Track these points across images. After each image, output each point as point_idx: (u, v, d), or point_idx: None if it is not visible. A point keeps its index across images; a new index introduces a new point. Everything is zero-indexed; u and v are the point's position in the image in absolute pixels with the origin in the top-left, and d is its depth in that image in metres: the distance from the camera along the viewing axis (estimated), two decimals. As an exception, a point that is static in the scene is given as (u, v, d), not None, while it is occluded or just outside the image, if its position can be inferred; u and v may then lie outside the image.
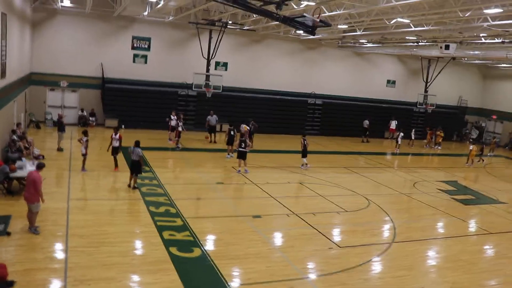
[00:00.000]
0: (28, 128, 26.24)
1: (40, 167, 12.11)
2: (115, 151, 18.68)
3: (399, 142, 31.53)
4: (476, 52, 26.01)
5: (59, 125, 21.86)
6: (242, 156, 20.55)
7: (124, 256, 10.86)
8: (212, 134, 27.78)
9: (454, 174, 25.55)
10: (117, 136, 18.57)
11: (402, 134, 31.73)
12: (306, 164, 22.50)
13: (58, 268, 9.88)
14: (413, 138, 34.75)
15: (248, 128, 25.87)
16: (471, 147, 28.74)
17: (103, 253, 10.85)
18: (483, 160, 29.70)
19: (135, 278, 9.92)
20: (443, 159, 31.04)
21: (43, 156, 19.21)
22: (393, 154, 30.90)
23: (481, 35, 22.81)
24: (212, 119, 27.77)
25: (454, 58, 35.14)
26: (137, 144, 16.47)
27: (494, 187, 22.70)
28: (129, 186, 16.42)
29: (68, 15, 28.41)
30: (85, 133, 18.24)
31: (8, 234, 11.31)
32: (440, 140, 34.64)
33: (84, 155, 17.99)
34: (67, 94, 29.71)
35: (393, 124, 36.06)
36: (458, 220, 16.66)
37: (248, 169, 20.49)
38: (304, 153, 22.45)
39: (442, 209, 17.89)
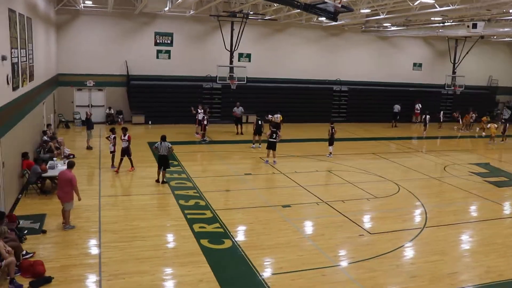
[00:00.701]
0: (58, 128, 26.84)
1: (71, 165, 12.40)
2: (124, 152, 17.88)
3: (427, 125, 31.12)
4: (506, 29, 25.15)
5: (88, 124, 22.27)
6: (272, 146, 20.47)
7: (156, 249, 11.03)
8: (239, 126, 27.85)
9: (486, 156, 24.97)
10: (126, 137, 17.78)
11: (428, 116, 31.19)
12: (330, 152, 22.29)
13: (92, 264, 10.11)
14: (441, 120, 34.14)
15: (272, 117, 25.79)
16: (488, 125, 28.86)
17: (136, 247, 11.05)
18: (503, 140, 29.69)
19: (168, 271, 10.07)
20: (474, 141, 30.33)
21: (73, 155, 19.63)
22: (419, 138, 30.31)
23: (510, 11, 22.07)
24: (238, 110, 27.83)
25: (482, 37, 34.12)
26: (163, 138, 16.64)
27: (528, 168, 22.10)
28: (157, 181, 16.60)
29: (90, 15, 28.80)
30: (112, 131, 18.53)
31: (44, 232, 11.65)
32: (483, 126, 31.70)
33: (113, 152, 18.27)
34: (94, 93, 30.21)
35: (418, 107, 35.44)
36: (492, 203, 16.29)
37: (276, 160, 20.45)
38: (331, 141, 22.25)
39: (474, 192, 17.53)
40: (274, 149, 20.40)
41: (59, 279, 9.29)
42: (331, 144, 22.25)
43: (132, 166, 18.18)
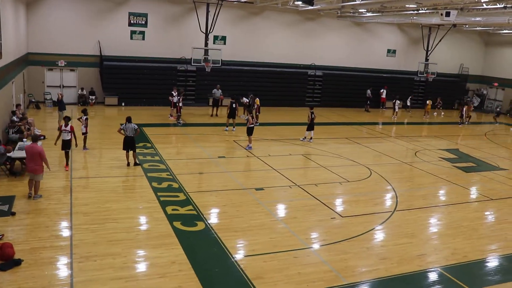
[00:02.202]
0: (28, 108, 26.22)
1: (37, 138, 12.81)
2: (66, 145, 15.70)
3: (397, 110, 32.35)
4: (478, 19, 25.52)
5: (60, 105, 21.83)
6: (252, 132, 20.41)
7: (129, 232, 10.98)
8: (215, 108, 27.78)
9: (456, 142, 25.57)
10: (68, 127, 15.79)
11: (399, 101, 32.14)
12: (311, 138, 22.43)
13: (63, 246, 10.00)
14: (408, 105, 35.44)
15: (248, 101, 25.80)
16: (427, 101, 32.80)
17: (108, 229, 10.97)
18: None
19: (140, 253, 10.03)
20: (444, 128, 30.97)
21: (44, 137, 19.25)
22: (391, 123, 30.83)
23: (482, 0, 22.43)
24: (217, 93, 27.77)
25: (455, 26, 34.65)
26: (129, 120, 16.35)
27: (495, 154, 22.74)
28: (128, 165, 16.36)
29: (62, -8, 28.04)
30: (84, 112, 18.22)
31: (13, 214, 11.44)
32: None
33: (85, 133, 17.99)
34: (65, 73, 29.52)
35: (384, 94, 35.98)
36: (459, 188, 16.75)
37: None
38: (310, 126, 22.35)
39: (443, 177, 17.96)
40: (252, 134, 20.41)
41: (29, 261, 9.16)
42: (310, 129, 22.34)
43: (67, 164, 15.69)
